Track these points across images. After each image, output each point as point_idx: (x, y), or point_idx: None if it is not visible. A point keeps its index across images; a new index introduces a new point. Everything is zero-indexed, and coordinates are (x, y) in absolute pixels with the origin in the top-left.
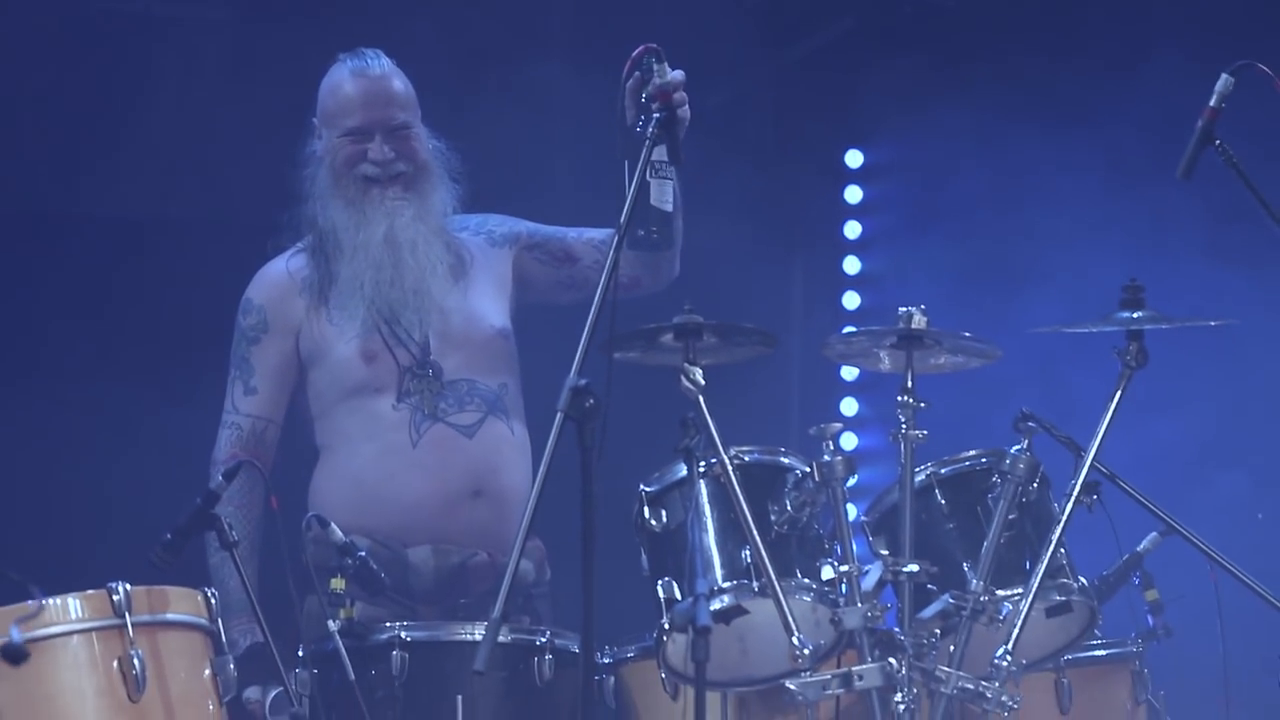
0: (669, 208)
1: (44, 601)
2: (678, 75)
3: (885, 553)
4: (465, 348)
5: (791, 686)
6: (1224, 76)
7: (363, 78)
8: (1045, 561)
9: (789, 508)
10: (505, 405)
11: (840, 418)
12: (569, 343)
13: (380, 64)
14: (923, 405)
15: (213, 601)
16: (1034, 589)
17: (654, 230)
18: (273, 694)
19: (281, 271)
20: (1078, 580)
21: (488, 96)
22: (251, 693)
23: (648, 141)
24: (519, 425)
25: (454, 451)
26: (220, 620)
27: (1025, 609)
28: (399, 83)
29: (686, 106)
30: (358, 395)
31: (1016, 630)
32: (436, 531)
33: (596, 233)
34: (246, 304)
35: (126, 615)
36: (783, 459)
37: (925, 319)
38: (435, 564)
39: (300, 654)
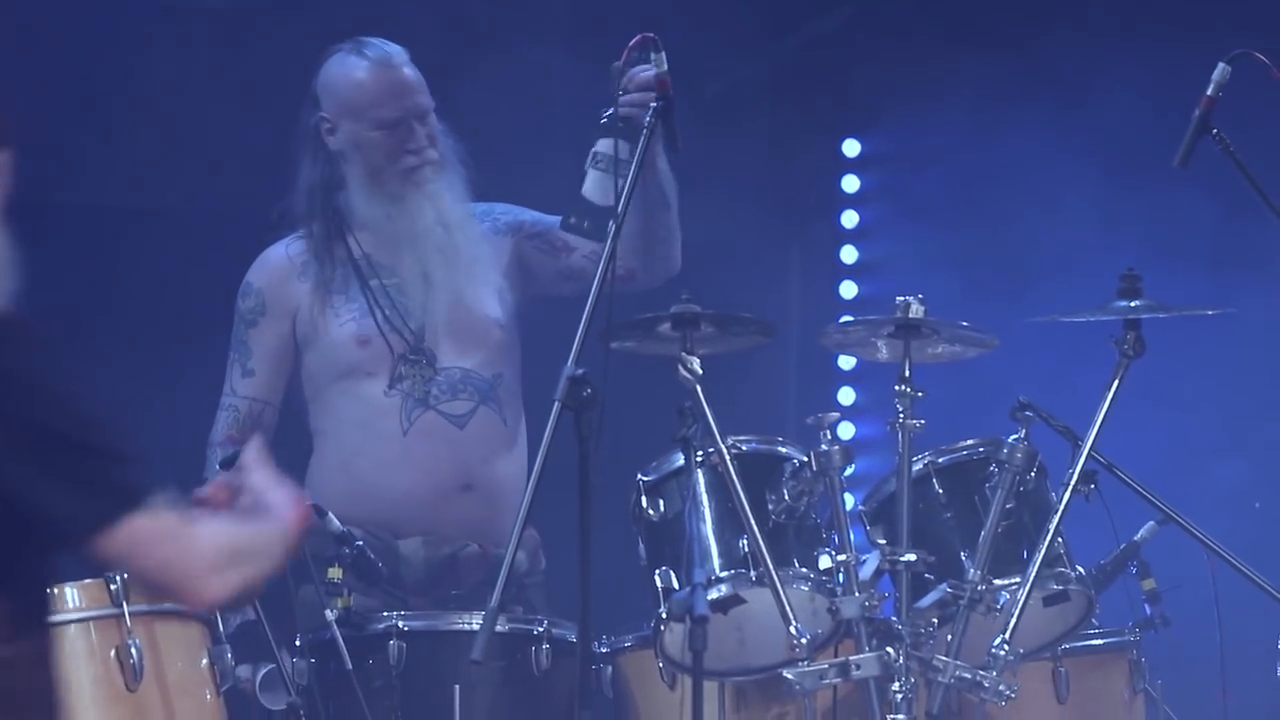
0: (599, 201)
1: None
2: (648, 76)
3: (883, 542)
4: (461, 336)
5: (789, 676)
6: (1221, 65)
7: (386, 67)
8: (1043, 551)
9: (786, 497)
10: (499, 396)
11: (838, 407)
12: (566, 332)
13: (394, 50)
14: (920, 394)
15: None
16: (1031, 578)
17: (582, 220)
18: (263, 672)
19: (281, 256)
20: (1075, 569)
21: (484, 82)
22: (242, 671)
23: (645, 130)
24: (514, 417)
25: (444, 442)
26: None
27: (1023, 598)
28: (413, 68)
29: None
30: (350, 378)
31: (1014, 619)
32: (427, 523)
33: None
34: (246, 287)
35: (124, 604)
36: (780, 448)
37: (923, 308)
38: (425, 555)
39: (297, 643)
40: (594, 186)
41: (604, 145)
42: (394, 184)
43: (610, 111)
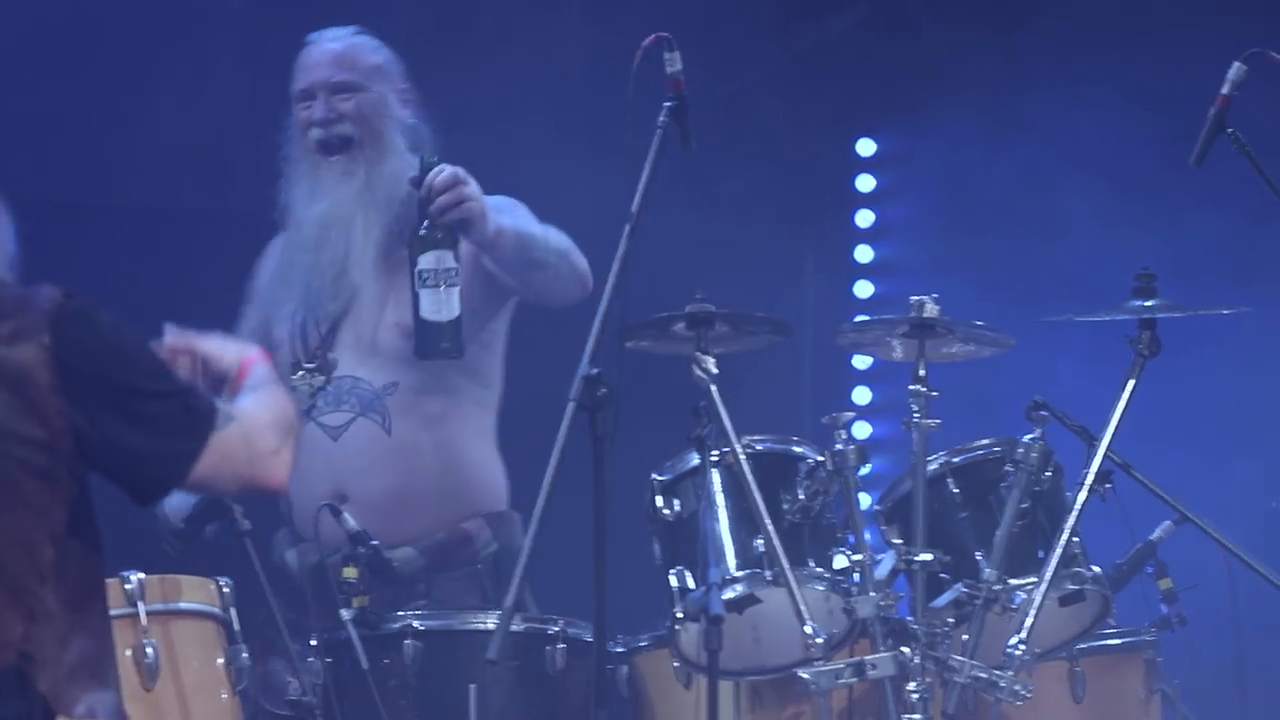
0: (441, 318)
1: None
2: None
3: (898, 541)
4: (360, 342)
5: (805, 675)
6: (1236, 64)
7: (311, 45)
8: (1059, 550)
9: (801, 496)
10: (385, 407)
11: (853, 406)
12: (580, 331)
13: (337, 32)
14: (935, 394)
15: (225, 590)
16: (1047, 578)
17: (437, 343)
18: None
19: (270, 247)
20: (1091, 569)
21: (498, 83)
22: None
23: (658, 132)
24: (409, 426)
25: (318, 454)
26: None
27: (1039, 598)
28: (356, 47)
29: (464, 204)
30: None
31: (1030, 619)
32: (306, 533)
33: (554, 237)
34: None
35: (139, 604)
36: (795, 448)
37: (937, 308)
38: (298, 564)
39: (313, 642)
40: (430, 305)
41: (426, 260)
42: (307, 162)
43: (424, 225)
